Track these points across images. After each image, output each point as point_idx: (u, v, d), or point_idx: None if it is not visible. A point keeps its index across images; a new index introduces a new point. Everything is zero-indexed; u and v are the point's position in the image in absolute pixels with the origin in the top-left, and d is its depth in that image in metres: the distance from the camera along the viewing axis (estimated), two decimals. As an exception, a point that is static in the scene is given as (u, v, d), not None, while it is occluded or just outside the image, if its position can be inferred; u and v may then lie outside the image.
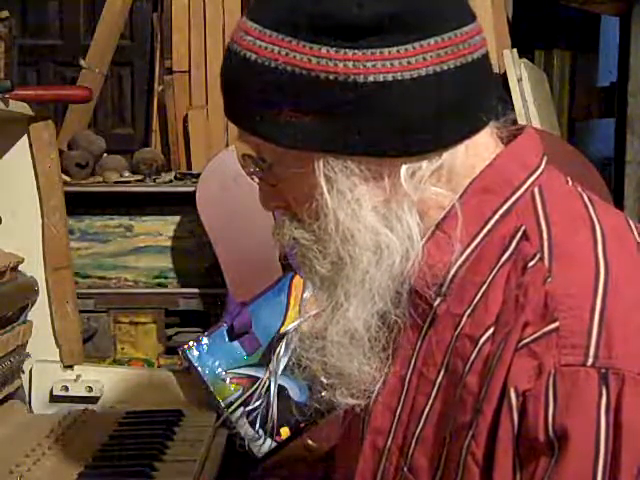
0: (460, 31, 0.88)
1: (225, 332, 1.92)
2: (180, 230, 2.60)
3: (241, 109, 0.91)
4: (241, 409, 1.85)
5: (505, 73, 2.73)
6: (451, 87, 0.87)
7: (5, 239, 1.79)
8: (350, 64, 0.85)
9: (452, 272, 0.90)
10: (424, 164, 0.89)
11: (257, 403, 1.86)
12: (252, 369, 1.89)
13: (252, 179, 1.00)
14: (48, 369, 1.86)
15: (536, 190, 0.92)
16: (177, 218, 2.59)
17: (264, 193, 0.98)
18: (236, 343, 1.91)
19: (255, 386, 1.87)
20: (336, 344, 0.93)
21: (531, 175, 0.93)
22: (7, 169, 1.81)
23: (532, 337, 0.83)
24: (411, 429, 0.91)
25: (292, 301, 1.96)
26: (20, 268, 1.81)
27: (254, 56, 0.88)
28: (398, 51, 0.85)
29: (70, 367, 1.88)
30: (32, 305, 1.83)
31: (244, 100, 0.90)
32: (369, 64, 0.85)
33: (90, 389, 1.85)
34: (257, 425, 1.85)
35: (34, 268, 1.83)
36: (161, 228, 2.61)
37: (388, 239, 0.89)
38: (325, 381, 0.96)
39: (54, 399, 1.86)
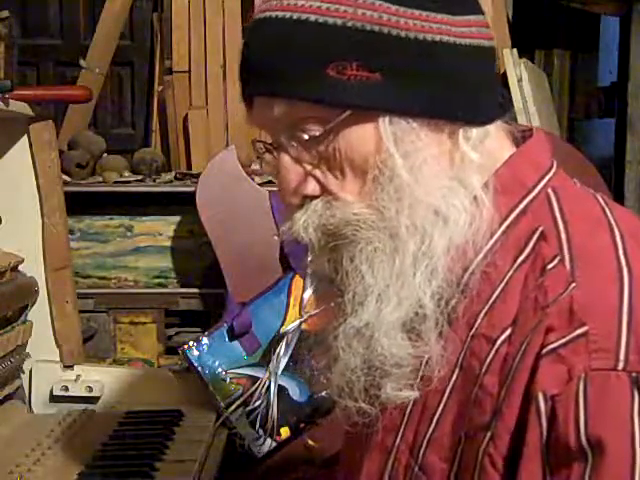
0: (484, 16, 0.91)
1: (225, 332, 1.92)
2: (180, 230, 2.60)
3: (292, 76, 0.85)
4: (241, 409, 1.85)
5: (505, 73, 2.73)
6: (487, 64, 0.90)
7: (5, 239, 1.79)
8: (419, 23, 0.84)
9: (470, 269, 0.88)
10: (474, 131, 0.89)
11: (257, 403, 1.86)
12: (252, 369, 1.89)
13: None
14: (48, 369, 1.86)
15: (550, 191, 0.91)
16: (177, 218, 2.59)
17: (294, 180, 0.91)
18: (236, 343, 1.91)
19: (255, 386, 1.87)
20: (399, 327, 0.87)
21: (544, 177, 0.92)
22: (7, 169, 1.81)
23: (560, 342, 0.81)
24: (422, 428, 0.89)
25: (292, 301, 1.96)
26: (20, 268, 1.81)
27: (313, 17, 0.84)
28: (455, 19, 0.86)
29: (70, 367, 1.88)
30: (32, 305, 1.83)
31: (298, 64, 0.85)
32: (437, 26, 0.85)
33: (90, 389, 1.85)
34: (257, 425, 1.85)
35: (34, 268, 1.83)
36: (161, 228, 2.61)
37: (455, 202, 0.87)
38: (376, 375, 0.89)
39: (54, 399, 1.86)
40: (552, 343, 0.82)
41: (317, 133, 0.87)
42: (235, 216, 2.24)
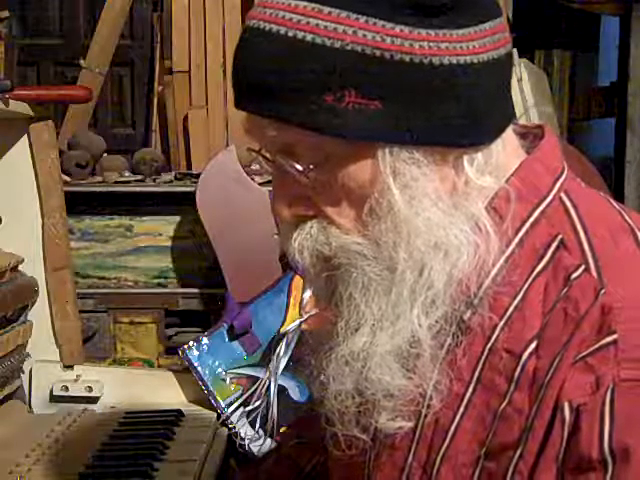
0: (501, 19, 0.84)
1: (225, 332, 1.92)
2: (180, 230, 2.60)
3: (287, 100, 0.80)
4: (241, 409, 1.85)
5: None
6: (501, 74, 0.84)
7: (5, 239, 1.79)
8: (426, 45, 0.78)
9: (486, 282, 0.84)
10: (480, 153, 0.84)
11: (257, 403, 1.85)
12: (252, 369, 1.89)
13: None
14: (48, 369, 1.86)
15: (563, 196, 0.88)
16: (177, 218, 2.60)
17: (289, 197, 0.87)
18: (236, 343, 1.91)
19: (255, 386, 1.87)
20: (392, 358, 0.84)
21: (557, 180, 0.89)
22: (7, 169, 1.80)
23: (589, 350, 0.79)
24: (435, 445, 0.86)
25: (292, 301, 1.96)
26: (20, 268, 1.80)
27: (310, 36, 0.79)
28: (463, 34, 0.80)
29: (70, 367, 1.88)
30: (32, 305, 1.83)
31: (294, 88, 0.80)
32: (443, 45, 0.79)
33: (90, 389, 1.85)
34: (257, 425, 1.85)
35: (34, 268, 1.83)
36: (161, 228, 2.61)
37: (456, 233, 0.82)
38: (368, 404, 0.86)
39: (54, 399, 1.85)
40: (582, 352, 0.79)
41: (312, 160, 0.83)
42: (235, 216, 2.24)
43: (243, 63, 0.83)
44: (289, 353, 1.89)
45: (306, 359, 0.93)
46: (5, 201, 1.79)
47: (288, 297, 1.96)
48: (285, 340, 1.89)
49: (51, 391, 1.85)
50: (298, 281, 1.98)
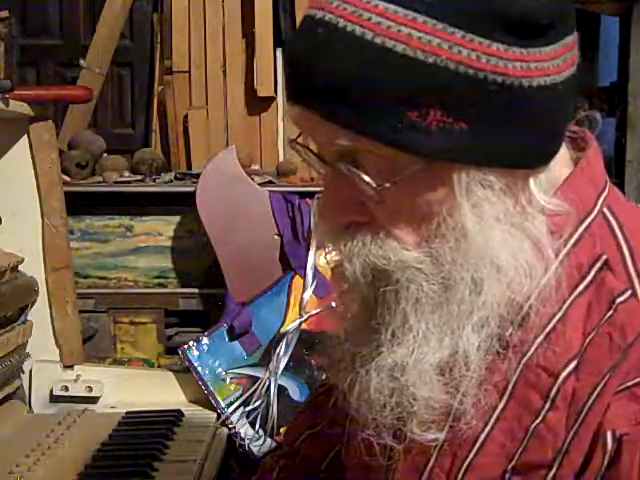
0: (576, 33, 0.82)
1: (225, 332, 1.92)
2: (180, 230, 2.60)
3: (367, 111, 0.75)
4: (241, 409, 1.85)
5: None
6: (574, 91, 0.82)
7: (5, 239, 1.79)
8: (518, 66, 0.75)
9: (532, 299, 0.82)
10: (542, 173, 0.82)
11: (257, 403, 1.86)
12: (252, 369, 1.89)
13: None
14: (48, 369, 1.86)
15: (607, 211, 0.86)
16: (177, 218, 2.59)
17: (343, 203, 0.83)
18: (236, 343, 1.91)
19: (255, 386, 1.87)
20: (435, 373, 0.82)
21: (601, 194, 0.87)
22: (7, 169, 1.81)
23: (635, 380, 0.78)
24: (461, 453, 0.85)
25: (292, 301, 1.96)
26: (20, 268, 1.81)
27: (401, 47, 0.73)
28: (550, 51, 0.77)
29: (70, 367, 1.88)
30: (32, 305, 1.83)
31: (377, 100, 0.74)
32: (533, 66, 0.76)
33: (90, 389, 1.85)
34: (257, 425, 1.85)
35: (34, 268, 1.83)
36: (161, 228, 2.61)
37: (517, 255, 0.80)
38: (403, 413, 0.84)
39: (54, 399, 1.86)
40: (628, 381, 0.79)
41: (378, 171, 0.78)
42: (235, 216, 2.24)
43: (318, 62, 0.76)
44: (289, 353, 1.89)
45: (333, 359, 0.90)
46: (5, 201, 1.80)
47: (288, 297, 1.97)
48: (285, 340, 1.89)
49: (51, 391, 1.85)
50: (298, 281, 1.98)
